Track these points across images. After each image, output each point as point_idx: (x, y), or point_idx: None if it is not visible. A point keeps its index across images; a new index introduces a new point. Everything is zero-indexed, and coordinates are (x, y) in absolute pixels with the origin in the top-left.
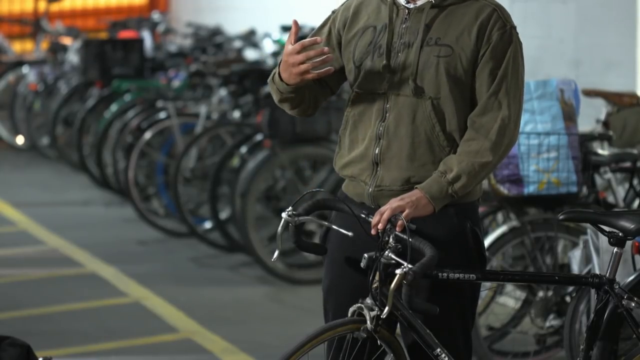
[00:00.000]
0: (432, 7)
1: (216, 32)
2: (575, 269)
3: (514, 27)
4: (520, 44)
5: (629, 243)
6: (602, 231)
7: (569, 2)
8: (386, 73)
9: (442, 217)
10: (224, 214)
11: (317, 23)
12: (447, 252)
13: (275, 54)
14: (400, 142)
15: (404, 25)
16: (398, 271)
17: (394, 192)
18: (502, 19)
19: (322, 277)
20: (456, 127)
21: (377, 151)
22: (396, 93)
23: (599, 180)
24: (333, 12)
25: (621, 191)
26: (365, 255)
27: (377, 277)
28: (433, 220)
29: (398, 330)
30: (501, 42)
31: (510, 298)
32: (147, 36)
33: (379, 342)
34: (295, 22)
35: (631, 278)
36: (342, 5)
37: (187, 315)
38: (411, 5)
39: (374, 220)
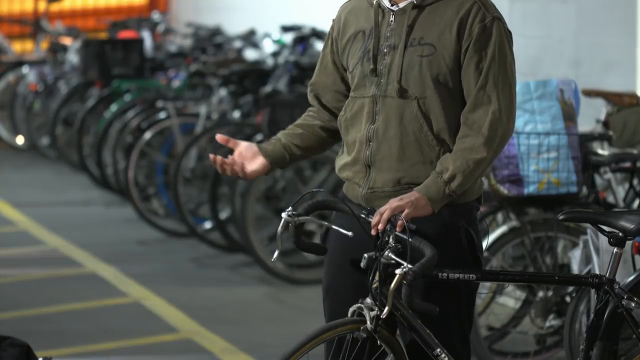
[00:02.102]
0: (413, 7)
1: (216, 32)
2: (575, 269)
3: (498, 18)
4: (506, 34)
5: (629, 243)
6: (602, 231)
7: (569, 2)
8: (374, 76)
9: (436, 216)
10: (224, 214)
11: (316, 23)
12: (440, 251)
13: (275, 54)
14: (390, 144)
15: (389, 28)
16: (398, 271)
17: (386, 193)
18: (483, 10)
19: (321, 277)
20: (444, 125)
21: (367, 153)
22: (383, 95)
23: (599, 180)
24: (333, 20)
25: (621, 191)
26: (365, 255)
27: (377, 277)
28: (426, 219)
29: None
30: (483, 35)
31: (510, 298)
32: (147, 36)
33: (378, 342)
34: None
35: (631, 278)
36: (338, 12)
37: (187, 315)
38: (395, 7)
39: (373, 220)
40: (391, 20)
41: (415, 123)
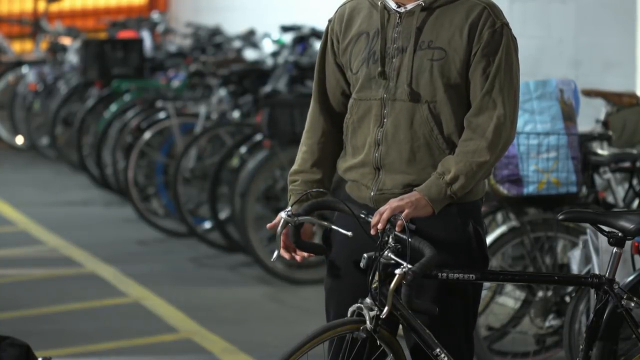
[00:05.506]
0: (422, 9)
1: (216, 32)
2: (575, 269)
3: (506, 24)
4: (513, 40)
5: (628, 243)
6: (602, 231)
7: (568, 2)
8: (382, 79)
9: (445, 217)
10: (223, 214)
11: (316, 23)
12: (451, 253)
13: (275, 54)
14: (400, 147)
15: (396, 30)
16: (397, 271)
17: (396, 195)
18: (493, 16)
19: (321, 277)
20: (454, 129)
21: (377, 156)
22: (392, 98)
23: (598, 180)
24: (329, 20)
25: (621, 191)
26: (365, 255)
27: (376, 277)
28: (436, 221)
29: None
30: (492, 41)
31: (510, 298)
32: (146, 36)
33: (378, 342)
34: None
35: (630, 278)
36: (337, 12)
37: (187, 315)
38: (402, 9)
39: (373, 220)
40: (397, 22)
41: (426, 127)
